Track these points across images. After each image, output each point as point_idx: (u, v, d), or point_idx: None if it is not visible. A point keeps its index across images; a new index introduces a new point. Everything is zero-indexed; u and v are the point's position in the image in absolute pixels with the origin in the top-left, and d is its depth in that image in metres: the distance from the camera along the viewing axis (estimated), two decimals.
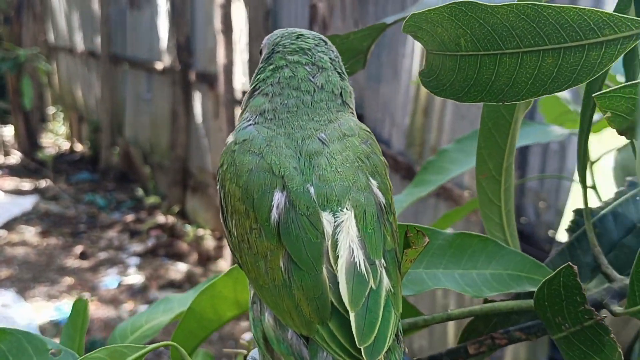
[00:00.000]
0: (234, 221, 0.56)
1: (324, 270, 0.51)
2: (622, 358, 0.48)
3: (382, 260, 0.53)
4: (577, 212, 0.72)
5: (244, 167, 0.56)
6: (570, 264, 0.51)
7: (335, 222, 0.53)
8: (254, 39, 3.97)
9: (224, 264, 4.89)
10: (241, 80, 4.59)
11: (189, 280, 4.69)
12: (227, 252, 4.84)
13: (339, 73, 0.64)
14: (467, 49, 0.56)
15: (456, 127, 2.57)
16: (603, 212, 0.72)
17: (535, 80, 0.53)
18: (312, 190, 0.54)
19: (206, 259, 5.04)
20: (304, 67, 0.63)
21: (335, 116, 0.61)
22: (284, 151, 0.56)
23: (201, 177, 5.50)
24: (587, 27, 0.50)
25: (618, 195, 0.73)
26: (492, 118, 0.71)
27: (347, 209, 0.53)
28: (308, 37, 0.66)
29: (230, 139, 0.61)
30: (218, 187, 0.60)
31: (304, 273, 0.51)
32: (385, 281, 0.52)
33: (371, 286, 0.51)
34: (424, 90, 2.73)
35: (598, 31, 0.49)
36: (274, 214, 0.53)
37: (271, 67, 0.64)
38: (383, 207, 0.56)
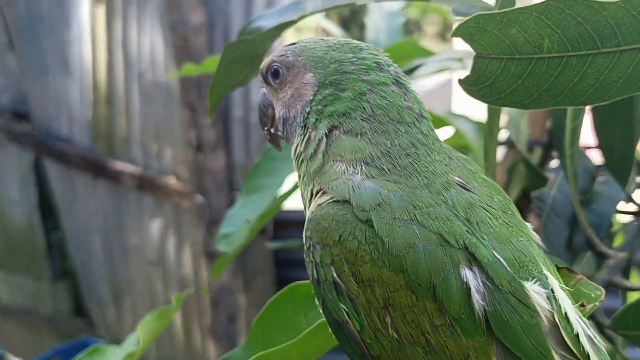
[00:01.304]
0: (388, 320, 0.39)
1: (556, 357, 0.39)
2: None
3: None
4: (538, 197, 0.72)
5: (398, 242, 0.40)
6: None
7: (544, 291, 0.41)
8: None
9: None
10: None
11: None
12: None
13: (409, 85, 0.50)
14: (550, 51, 0.48)
15: (148, 113, 2.36)
16: (552, 193, 0.73)
17: (628, 78, 0.49)
18: (499, 256, 0.41)
19: None
20: (391, 89, 0.47)
21: (441, 145, 0.48)
22: (442, 212, 0.41)
23: None
24: None
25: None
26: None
27: (544, 270, 0.42)
28: (363, 47, 0.49)
29: (333, 207, 0.42)
30: (323, 275, 0.42)
31: None
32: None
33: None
34: (101, 77, 2.40)
35: None
36: (476, 299, 0.38)
37: (348, 93, 0.46)
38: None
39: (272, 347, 0.55)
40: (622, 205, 0.74)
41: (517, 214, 0.47)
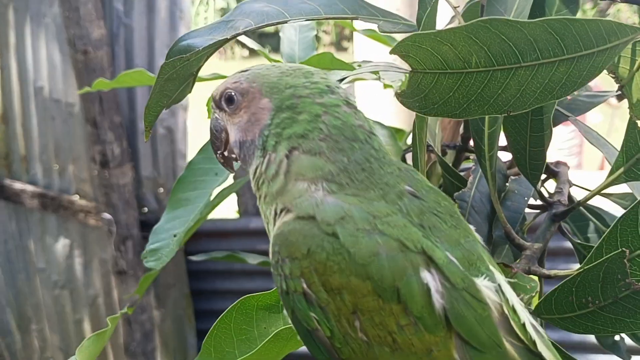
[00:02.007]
0: (357, 324, 0.43)
1: (507, 345, 0.44)
2: None
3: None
4: (460, 197, 0.78)
5: (363, 252, 0.43)
6: (624, 249, 0.56)
7: (493, 285, 0.45)
8: None
9: None
10: None
11: None
12: None
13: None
14: (477, 66, 0.54)
15: (47, 130, 2.26)
16: (472, 193, 0.79)
17: (545, 88, 0.55)
18: (452, 257, 0.45)
19: None
20: (344, 110, 0.50)
21: (390, 158, 0.51)
22: (399, 220, 0.45)
23: None
24: (600, 36, 0.53)
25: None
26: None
27: (490, 266, 0.47)
28: (313, 71, 0.52)
29: (299, 222, 0.44)
30: (293, 286, 0.44)
31: (488, 356, 0.43)
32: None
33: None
34: None
35: (607, 38, 0.54)
36: (436, 299, 0.42)
37: (304, 116, 0.48)
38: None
39: None
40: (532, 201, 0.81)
41: (461, 217, 0.51)
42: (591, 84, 0.64)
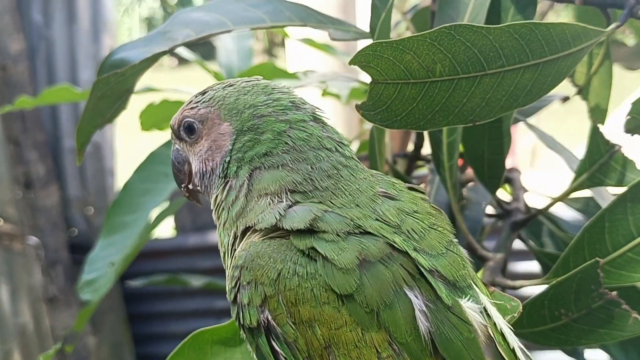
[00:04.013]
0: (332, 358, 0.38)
1: None
2: (639, 319, 0.55)
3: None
4: None
5: (346, 257, 0.40)
6: (598, 259, 0.54)
7: (477, 307, 0.42)
8: None
9: None
10: None
11: None
12: None
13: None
14: (442, 74, 0.51)
15: None
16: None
17: (510, 96, 0.52)
18: (437, 263, 0.42)
19: None
20: (310, 125, 0.46)
21: (363, 167, 0.48)
22: (374, 223, 0.41)
23: None
24: (565, 40, 0.51)
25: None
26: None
27: (473, 283, 0.44)
28: (273, 86, 0.48)
29: (270, 242, 0.40)
30: (248, 318, 0.41)
31: None
32: None
33: None
34: None
35: (572, 42, 0.52)
36: (421, 321, 0.39)
37: (267, 135, 0.45)
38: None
39: None
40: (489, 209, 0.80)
41: (440, 214, 0.48)
42: None
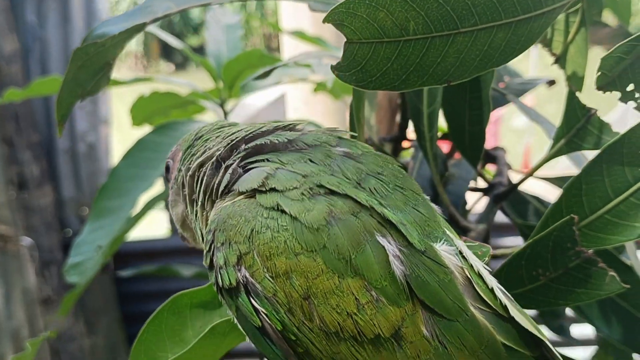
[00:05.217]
0: (312, 311, 0.39)
1: (474, 311, 0.41)
2: (617, 278, 0.56)
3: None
4: None
5: (310, 223, 0.39)
6: (572, 215, 0.55)
7: (452, 249, 0.42)
8: None
9: None
10: None
11: None
12: None
13: None
14: (415, 33, 0.51)
15: None
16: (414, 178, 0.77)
17: (484, 56, 0.53)
18: (403, 219, 0.42)
19: None
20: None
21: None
22: (333, 179, 0.42)
23: None
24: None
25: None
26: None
27: (447, 231, 0.44)
28: (231, 125, 0.56)
29: (238, 203, 0.41)
30: (227, 279, 0.40)
31: (458, 325, 0.40)
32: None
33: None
34: None
35: (544, 2, 0.53)
36: (397, 266, 0.39)
37: (199, 141, 0.53)
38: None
39: None
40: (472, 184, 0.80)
41: (408, 177, 0.47)
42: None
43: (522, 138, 5.17)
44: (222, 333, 0.53)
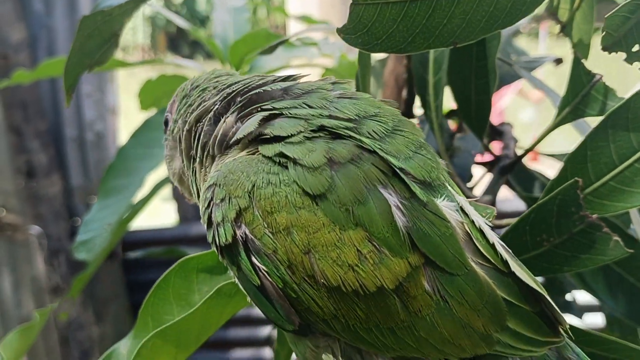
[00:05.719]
0: (313, 266, 0.38)
1: (474, 266, 0.41)
2: (621, 243, 0.55)
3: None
4: None
5: (312, 164, 0.40)
6: (577, 178, 0.55)
7: (453, 205, 0.42)
8: None
9: None
10: None
11: None
12: None
13: None
14: None
15: None
16: None
17: (490, 17, 0.53)
18: (407, 165, 0.41)
19: None
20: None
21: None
22: (332, 122, 0.42)
23: None
24: None
25: None
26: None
27: (448, 184, 0.44)
28: (230, 74, 0.55)
29: (241, 160, 0.41)
30: (224, 236, 0.41)
31: (459, 279, 0.40)
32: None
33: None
34: None
35: None
36: (399, 217, 0.39)
37: (194, 92, 0.52)
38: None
39: None
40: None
41: (406, 120, 0.46)
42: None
43: (528, 132, 5.15)
44: (229, 294, 0.53)
